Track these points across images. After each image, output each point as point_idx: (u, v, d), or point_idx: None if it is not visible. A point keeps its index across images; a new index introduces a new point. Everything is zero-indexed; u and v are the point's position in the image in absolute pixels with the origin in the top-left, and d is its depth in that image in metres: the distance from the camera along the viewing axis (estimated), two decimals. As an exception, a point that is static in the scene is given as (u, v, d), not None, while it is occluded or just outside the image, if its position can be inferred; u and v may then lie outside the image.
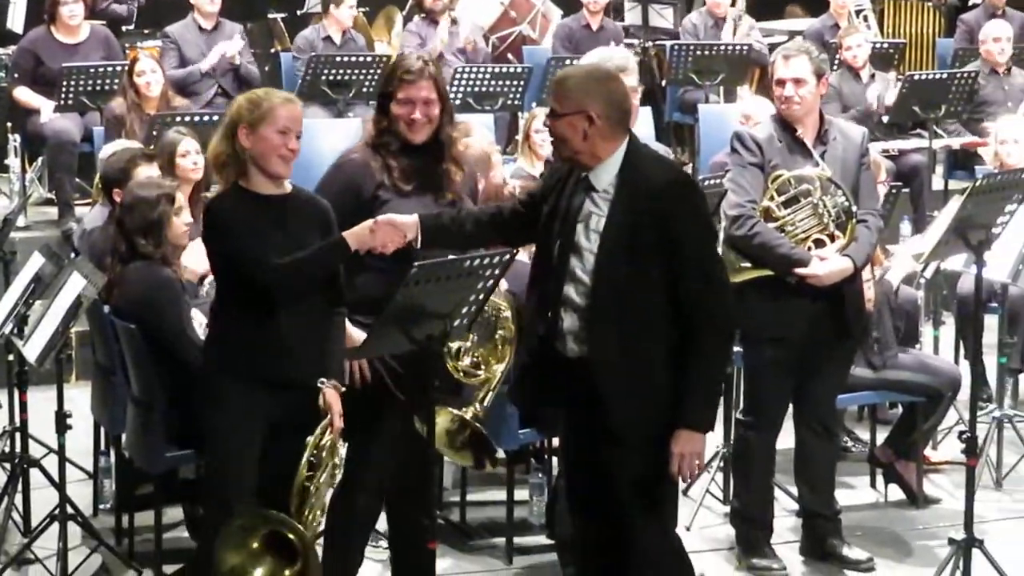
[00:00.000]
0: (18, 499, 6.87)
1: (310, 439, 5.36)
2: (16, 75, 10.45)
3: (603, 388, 5.00)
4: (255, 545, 5.28)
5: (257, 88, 10.92)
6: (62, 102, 10.04)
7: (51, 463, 6.75)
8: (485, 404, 5.74)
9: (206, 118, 8.78)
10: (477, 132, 8.33)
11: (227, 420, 5.34)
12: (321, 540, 5.64)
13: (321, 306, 5.40)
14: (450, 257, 5.15)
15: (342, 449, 5.52)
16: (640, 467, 5.05)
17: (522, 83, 10.76)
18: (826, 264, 6.25)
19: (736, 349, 7.10)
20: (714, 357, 5.06)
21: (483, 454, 5.73)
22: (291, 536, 5.26)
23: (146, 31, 11.61)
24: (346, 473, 5.61)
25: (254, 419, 5.34)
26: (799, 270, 6.23)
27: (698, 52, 11.43)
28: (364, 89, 10.62)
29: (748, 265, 6.25)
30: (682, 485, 5.89)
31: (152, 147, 7.91)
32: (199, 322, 6.23)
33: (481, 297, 5.18)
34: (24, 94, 10.43)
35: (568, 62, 11.02)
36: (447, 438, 5.69)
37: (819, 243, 6.30)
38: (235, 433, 5.35)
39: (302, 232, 5.34)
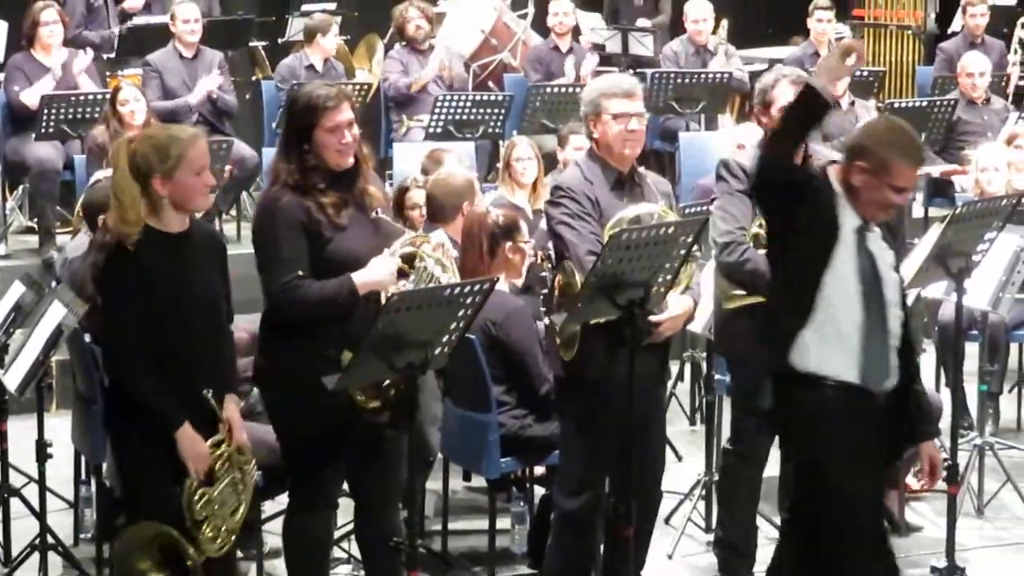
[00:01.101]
0: (-2, 529, 6.85)
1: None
2: (17, 87, 10.38)
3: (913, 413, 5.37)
4: (156, 554, 5.24)
5: (229, 119, 11.00)
6: (43, 130, 10.01)
7: (31, 492, 6.74)
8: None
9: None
10: (450, 161, 8.31)
11: (138, 437, 5.28)
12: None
13: (220, 323, 5.40)
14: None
15: (250, 465, 5.41)
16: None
17: (503, 111, 10.75)
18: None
19: (720, 378, 7.11)
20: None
21: (404, 414, 5.32)
22: (180, 550, 5.21)
23: (128, 59, 11.56)
24: (292, 497, 5.61)
25: (165, 436, 5.25)
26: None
27: (679, 80, 11.42)
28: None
29: (740, 292, 6.20)
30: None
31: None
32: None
33: (462, 324, 5.18)
34: (28, 96, 10.31)
35: (548, 90, 11.08)
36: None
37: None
38: (148, 450, 5.27)
39: (207, 270, 5.34)
